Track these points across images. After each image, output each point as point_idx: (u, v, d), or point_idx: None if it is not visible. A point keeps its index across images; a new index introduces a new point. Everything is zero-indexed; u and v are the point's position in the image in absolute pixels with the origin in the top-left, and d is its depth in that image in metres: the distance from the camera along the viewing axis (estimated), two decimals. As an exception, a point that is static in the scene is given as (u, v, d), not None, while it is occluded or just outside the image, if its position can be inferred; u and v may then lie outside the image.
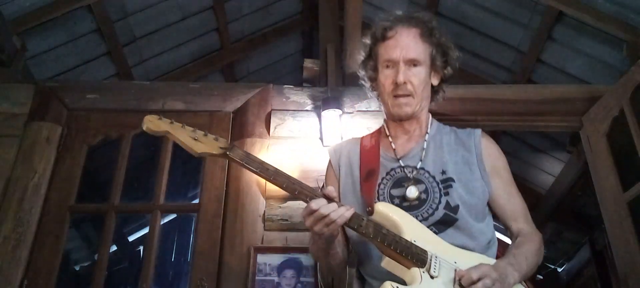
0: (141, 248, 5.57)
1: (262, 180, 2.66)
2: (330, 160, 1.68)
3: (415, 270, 1.31)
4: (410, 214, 1.42)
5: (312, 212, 1.30)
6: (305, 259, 2.49)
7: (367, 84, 1.66)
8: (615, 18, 3.02)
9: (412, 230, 1.37)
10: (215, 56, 4.42)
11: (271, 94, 2.96)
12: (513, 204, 1.55)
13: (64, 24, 3.33)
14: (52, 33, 3.31)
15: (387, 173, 1.53)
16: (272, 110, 2.91)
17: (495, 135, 4.57)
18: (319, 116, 2.84)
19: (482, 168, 1.53)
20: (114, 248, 5.17)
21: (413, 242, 1.34)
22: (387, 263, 1.35)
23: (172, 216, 5.59)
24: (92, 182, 3.08)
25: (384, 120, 1.67)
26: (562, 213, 4.92)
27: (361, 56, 1.65)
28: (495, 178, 1.54)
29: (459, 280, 1.29)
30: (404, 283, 1.32)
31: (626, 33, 2.98)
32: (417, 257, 1.31)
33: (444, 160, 1.53)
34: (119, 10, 3.52)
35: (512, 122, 3.11)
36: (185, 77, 4.23)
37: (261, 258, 2.48)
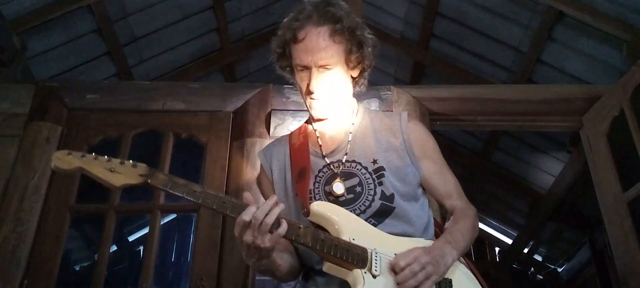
0: (141, 248, 5.57)
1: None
2: (261, 165, 1.64)
3: (357, 272, 1.29)
4: (347, 209, 1.40)
5: (246, 224, 1.22)
6: (305, 259, 2.50)
7: (290, 78, 1.62)
8: (615, 18, 3.02)
9: (350, 227, 1.35)
10: (215, 56, 4.42)
11: (271, 94, 2.96)
12: (445, 183, 1.55)
13: (64, 24, 3.33)
14: (52, 33, 3.32)
15: (320, 171, 1.50)
16: (272, 110, 2.90)
17: (496, 135, 4.58)
18: (319, 116, 2.84)
19: (410, 153, 1.52)
20: (114, 248, 5.17)
21: (352, 240, 1.32)
22: (329, 268, 1.32)
23: (172, 216, 5.59)
24: (92, 182, 3.07)
25: (310, 115, 1.62)
26: (562, 213, 4.93)
27: (275, 53, 1.58)
28: (425, 160, 1.53)
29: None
30: (346, 286, 1.30)
31: (626, 33, 2.98)
32: (357, 259, 1.29)
33: (373, 149, 1.51)
34: (119, 10, 3.52)
35: (512, 122, 3.11)
36: (185, 77, 4.23)
37: (261, 258, 2.48)
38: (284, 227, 1.25)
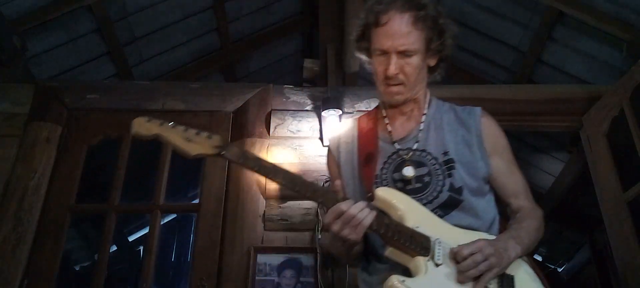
0: (141, 248, 5.57)
1: (263, 180, 2.67)
2: (329, 148, 1.65)
3: (419, 259, 1.29)
4: (414, 198, 1.40)
5: (340, 214, 1.26)
6: (305, 259, 2.50)
7: (366, 62, 1.61)
8: (615, 18, 3.02)
9: (415, 215, 1.35)
10: (215, 56, 4.41)
11: (271, 94, 2.96)
12: (513, 181, 1.54)
13: (64, 24, 3.33)
14: (52, 33, 3.31)
15: (389, 157, 1.49)
16: (272, 110, 2.91)
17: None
18: (319, 116, 2.85)
19: (482, 148, 1.50)
20: (114, 248, 5.17)
21: (416, 228, 1.32)
22: (391, 253, 1.33)
23: (172, 216, 5.59)
24: (92, 182, 3.08)
25: (381, 101, 1.62)
26: (562, 213, 4.92)
27: (354, 35, 1.57)
28: (496, 157, 1.52)
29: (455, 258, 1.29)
30: (406, 273, 1.30)
31: (626, 33, 2.98)
32: (420, 246, 1.29)
33: (445, 141, 1.50)
34: (119, 10, 3.52)
35: (512, 122, 3.10)
36: (185, 77, 4.22)
37: (261, 258, 2.48)
38: (369, 221, 1.27)
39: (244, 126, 2.82)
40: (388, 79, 1.47)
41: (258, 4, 4.26)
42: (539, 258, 6.27)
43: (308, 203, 2.63)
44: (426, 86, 1.59)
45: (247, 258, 2.48)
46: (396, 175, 1.45)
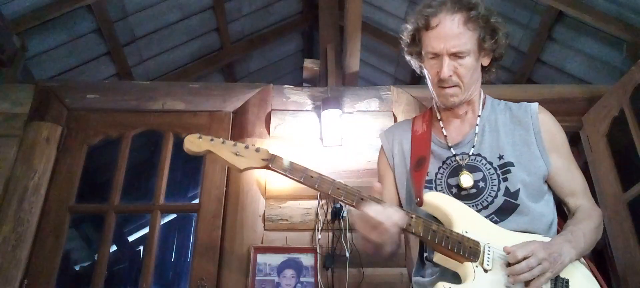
0: (141, 248, 5.57)
1: (262, 180, 2.67)
2: (382, 147, 1.63)
3: (468, 265, 1.28)
4: (468, 204, 1.39)
5: (366, 219, 1.27)
6: (305, 259, 2.50)
7: (416, 67, 1.59)
8: (615, 18, 3.02)
9: (464, 220, 1.34)
10: (215, 56, 4.42)
11: (271, 94, 2.96)
12: (572, 180, 1.50)
13: (64, 24, 3.33)
14: (52, 33, 3.31)
15: (444, 162, 1.48)
16: (272, 110, 2.91)
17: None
18: (319, 116, 2.85)
19: (540, 146, 1.47)
20: (114, 248, 5.17)
21: (464, 233, 1.31)
22: (440, 259, 1.32)
23: (172, 216, 5.59)
24: (92, 182, 3.08)
25: (435, 102, 1.58)
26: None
27: (404, 41, 1.55)
28: (554, 154, 1.48)
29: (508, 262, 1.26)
30: (457, 278, 1.30)
31: (626, 33, 2.98)
32: (469, 251, 1.28)
33: (500, 144, 1.47)
34: (119, 10, 3.52)
35: (512, 122, 3.10)
36: (185, 77, 4.23)
37: (261, 258, 2.48)
38: (394, 229, 1.28)
39: (244, 126, 2.82)
40: (442, 82, 1.45)
41: (258, 4, 4.27)
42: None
43: (308, 203, 2.63)
44: (480, 87, 1.57)
45: (247, 258, 2.48)
46: (451, 181, 1.44)
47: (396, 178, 1.55)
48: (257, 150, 1.43)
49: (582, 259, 1.41)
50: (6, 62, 2.93)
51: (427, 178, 1.46)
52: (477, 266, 1.28)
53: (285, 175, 1.39)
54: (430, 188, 1.45)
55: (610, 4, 3.00)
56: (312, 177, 1.38)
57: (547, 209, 1.45)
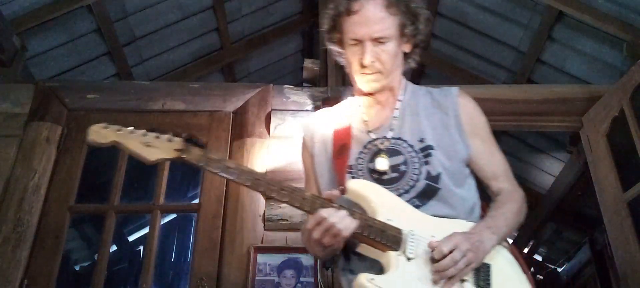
0: (141, 248, 5.57)
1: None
2: (303, 138, 1.60)
3: (391, 254, 1.26)
4: (390, 188, 1.37)
5: (320, 220, 1.24)
6: (305, 259, 2.50)
7: (337, 55, 1.57)
8: (615, 18, 3.02)
9: (387, 206, 1.32)
10: (215, 56, 4.42)
11: (271, 94, 2.96)
12: (493, 163, 1.50)
13: (64, 24, 3.33)
14: (52, 33, 3.31)
15: (365, 147, 1.46)
16: (272, 110, 2.91)
17: (495, 135, 4.57)
18: (319, 116, 2.84)
19: (460, 129, 1.47)
20: (114, 248, 5.17)
21: (388, 221, 1.29)
22: (363, 249, 1.30)
23: (172, 216, 5.59)
24: (92, 182, 3.08)
25: (356, 90, 1.58)
26: (562, 213, 4.92)
27: (325, 27, 1.53)
28: (474, 138, 1.48)
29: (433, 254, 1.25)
30: (380, 269, 1.27)
31: (626, 33, 2.98)
32: (391, 240, 1.26)
33: (421, 127, 1.46)
34: (119, 10, 3.52)
35: (512, 122, 3.11)
36: (185, 77, 4.23)
37: (261, 258, 2.48)
38: (349, 232, 1.24)
39: (244, 126, 2.82)
40: (364, 68, 1.43)
41: (258, 4, 4.26)
42: (539, 258, 6.28)
43: (308, 203, 2.63)
44: (402, 73, 1.56)
45: (247, 258, 2.48)
46: (372, 165, 1.42)
47: (315, 166, 1.53)
48: (170, 140, 1.31)
49: (504, 242, 1.41)
50: (6, 62, 2.93)
51: (350, 163, 1.43)
52: (399, 255, 1.26)
53: (200, 167, 1.29)
54: (352, 175, 1.42)
55: (610, 4, 3.00)
56: (229, 167, 1.28)
57: (468, 193, 1.45)
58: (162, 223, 2.75)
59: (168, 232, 5.59)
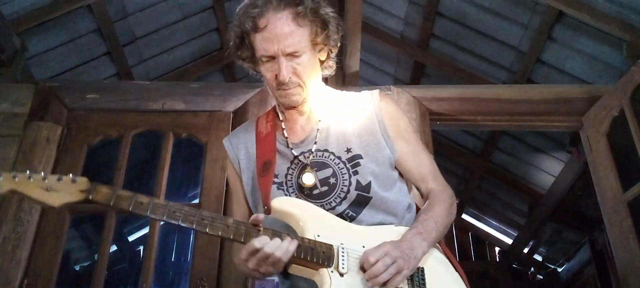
0: (141, 248, 5.57)
1: (262, 180, 2.66)
2: (228, 155, 1.55)
3: (324, 271, 1.22)
4: (322, 202, 1.35)
5: (254, 251, 1.19)
6: (305, 259, 2.49)
7: (252, 71, 1.52)
8: (615, 18, 3.02)
9: (315, 223, 1.29)
10: (215, 56, 4.42)
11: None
12: (419, 164, 1.49)
13: (64, 24, 3.33)
14: (52, 33, 3.31)
15: (291, 162, 1.42)
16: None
17: (495, 135, 4.58)
18: (319, 116, 2.84)
19: (385, 134, 1.45)
20: (114, 248, 5.17)
21: (317, 237, 1.26)
22: (294, 269, 1.26)
23: (172, 216, 5.59)
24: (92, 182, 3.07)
25: (276, 103, 1.54)
26: (562, 213, 4.92)
27: (232, 44, 1.48)
28: (399, 141, 1.47)
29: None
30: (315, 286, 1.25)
31: (626, 33, 2.98)
32: (322, 257, 1.23)
33: (347, 137, 1.43)
34: (119, 10, 3.52)
35: (512, 122, 3.11)
36: (185, 77, 4.23)
37: (261, 258, 2.47)
38: (293, 244, 1.21)
39: (244, 126, 2.82)
40: (281, 85, 1.38)
41: (258, 4, 4.26)
42: (539, 258, 6.28)
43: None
44: (320, 81, 1.51)
45: (247, 258, 2.48)
46: (300, 181, 1.38)
47: (243, 184, 1.48)
48: (73, 180, 1.17)
49: (437, 247, 1.41)
50: (6, 62, 2.93)
51: (277, 180, 1.40)
52: (332, 271, 1.22)
53: (111, 207, 1.19)
54: (282, 191, 1.39)
55: (610, 4, 3.00)
56: (141, 203, 1.18)
57: (400, 195, 1.44)
58: (162, 223, 2.74)
59: (168, 232, 5.59)
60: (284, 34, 1.34)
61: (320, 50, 1.44)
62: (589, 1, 3.07)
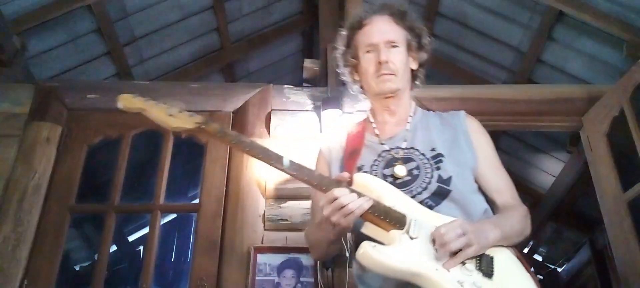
0: (141, 248, 5.57)
1: (263, 180, 2.67)
2: (320, 149, 1.73)
3: (394, 232, 1.30)
4: (404, 190, 1.43)
5: (332, 199, 1.30)
6: (305, 259, 2.50)
7: (349, 77, 1.70)
8: (615, 18, 3.02)
9: (392, 197, 1.37)
10: (215, 56, 4.42)
11: (271, 94, 2.96)
12: (498, 178, 1.56)
13: (64, 24, 3.33)
14: (52, 33, 3.31)
15: (379, 155, 1.55)
16: (272, 110, 2.91)
17: (495, 135, 4.58)
18: (319, 116, 2.85)
19: (468, 142, 1.56)
20: (114, 248, 5.17)
21: (392, 207, 1.34)
22: (366, 228, 1.34)
23: (172, 216, 5.59)
24: (92, 182, 3.07)
25: (369, 110, 1.71)
26: (562, 213, 4.92)
27: (340, 48, 1.69)
28: (480, 152, 1.56)
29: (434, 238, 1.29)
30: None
31: (626, 33, 2.98)
32: (395, 220, 1.31)
33: (432, 139, 1.56)
34: (119, 10, 3.52)
35: (512, 122, 3.11)
36: (185, 77, 4.23)
37: (261, 258, 2.48)
38: (368, 202, 1.30)
39: (244, 126, 2.82)
40: (380, 69, 1.55)
41: (258, 4, 4.27)
42: (539, 258, 6.28)
43: (308, 203, 2.62)
44: (410, 91, 1.68)
45: (247, 258, 2.48)
46: (386, 171, 1.49)
47: (331, 170, 1.62)
48: (192, 115, 1.44)
49: (511, 249, 1.43)
50: (6, 62, 2.93)
51: (364, 169, 1.52)
52: (403, 234, 1.30)
53: (217, 138, 1.43)
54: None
55: (610, 4, 3.00)
56: (244, 141, 1.42)
57: (478, 199, 1.50)
58: (162, 223, 2.74)
59: (168, 232, 5.59)
60: (385, 28, 1.59)
61: (412, 56, 1.63)
62: (589, 1, 3.07)
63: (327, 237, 1.42)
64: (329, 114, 2.76)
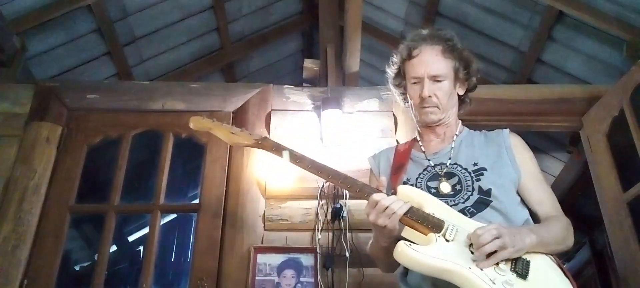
0: (141, 248, 5.56)
1: (262, 180, 2.67)
2: (371, 168, 1.83)
3: (431, 235, 1.38)
4: (444, 201, 1.49)
5: (374, 203, 1.40)
6: (305, 259, 2.50)
7: (400, 100, 1.82)
8: (615, 18, 3.02)
9: (432, 205, 1.45)
10: (215, 56, 4.42)
11: (271, 94, 2.96)
12: (541, 191, 1.61)
13: (64, 24, 3.33)
14: (52, 33, 3.32)
15: (424, 169, 1.64)
16: (272, 110, 2.91)
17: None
18: (319, 116, 2.84)
19: (511, 157, 1.62)
20: (114, 248, 5.16)
21: (432, 214, 1.41)
22: (405, 232, 1.42)
23: (172, 216, 5.59)
24: (92, 182, 3.07)
25: (418, 130, 1.79)
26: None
27: (391, 73, 1.80)
28: (524, 167, 1.62)
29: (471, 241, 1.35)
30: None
31: (626, 33, 2.99)
32: (433, 224, 1.39)
33: (475, 155, 1.63)
34: (119, 10, 3.52)
35: (512, 122, 3.09)
36: (185, 77, 4.23)
37: (261, 258, 2.48)
38: (402, 211, 1.40)
39: (244, 126, 2.81)
40: (423, 102, 1.65)
41: (258, 4, 4.27)
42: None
43: (308, 203, 2.63)
44: (457, 114, 1.75)
45: (247, 258, 2.48)
46: (431, 184, 1.58)
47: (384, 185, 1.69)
48: (250, 133, 1.69)
49: (552, 257, 1.47)
50: (6, 62, 2.93)
51: (409, 182, 1.62)
52: (439, 236, 1.38)
53: (273, 152, 1.63)
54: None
55: (610, 4, 3.01)
56: (295, 154, 1.60)
57: (520, 209, 1.55)
58: (162, 223, 2.74)
59: (168, 232, 5.59)
60: (431, 61, 1.65)
61: (459, 86, 1.71)
62: (589, 1, 3.08)
63: (379, 243, 1.50)
64: (329, 113, 2.76)
